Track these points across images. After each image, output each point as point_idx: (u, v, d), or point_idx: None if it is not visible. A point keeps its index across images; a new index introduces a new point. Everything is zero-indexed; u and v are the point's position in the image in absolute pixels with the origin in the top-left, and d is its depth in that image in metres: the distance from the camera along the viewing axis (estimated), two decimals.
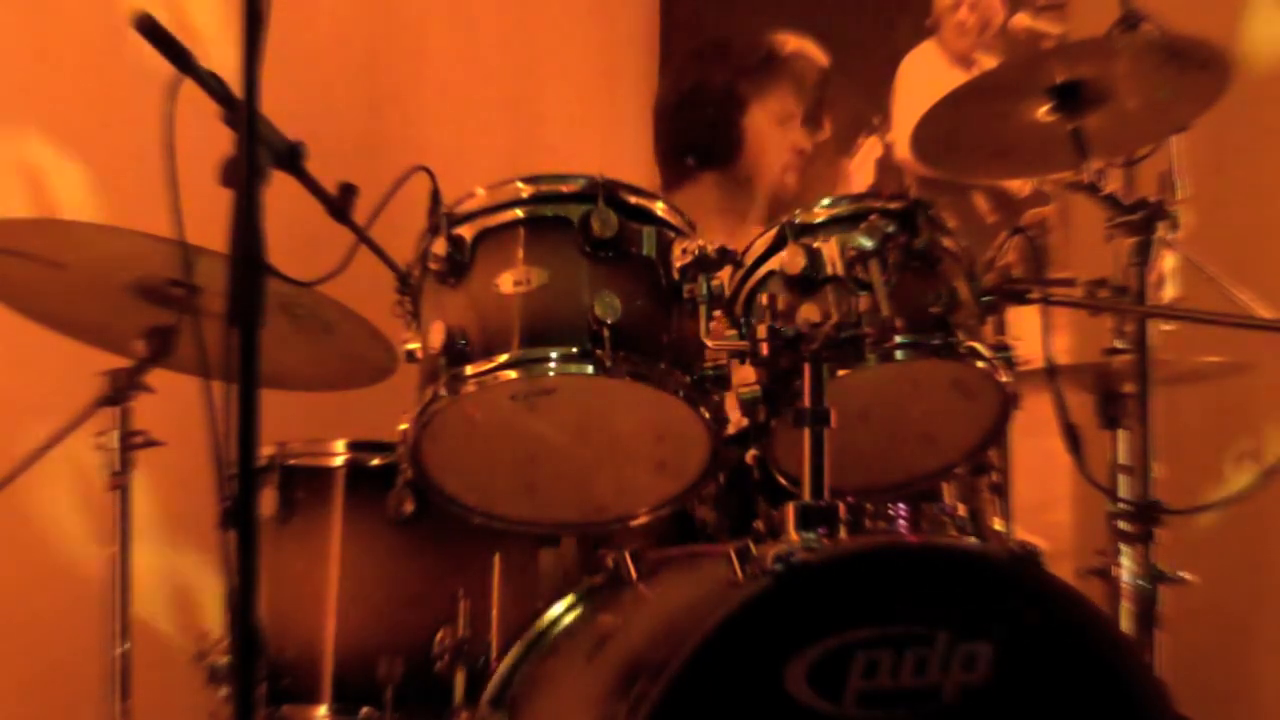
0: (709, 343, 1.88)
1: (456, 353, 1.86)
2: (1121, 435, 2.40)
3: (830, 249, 1.91)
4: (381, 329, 2.15)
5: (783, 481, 1.99)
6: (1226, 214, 2.88)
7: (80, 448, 2.14)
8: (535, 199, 1.92)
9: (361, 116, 3.25)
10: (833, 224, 1.94)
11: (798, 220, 1.96)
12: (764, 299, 1.91)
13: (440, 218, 1.93)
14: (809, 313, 1.86)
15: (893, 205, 1.94)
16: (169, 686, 2.16)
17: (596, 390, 1.91)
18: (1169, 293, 2.29)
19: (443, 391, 1.86)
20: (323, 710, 2.09)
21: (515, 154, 3.41)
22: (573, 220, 1.88)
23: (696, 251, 1.88)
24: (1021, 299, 2.06)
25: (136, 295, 2.12)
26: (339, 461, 2.17)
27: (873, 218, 1.91)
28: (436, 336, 1.87)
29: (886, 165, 3.93)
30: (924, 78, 3.85)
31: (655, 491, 2.03)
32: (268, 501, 2.16)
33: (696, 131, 2.84)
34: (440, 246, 1.90)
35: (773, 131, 2.83)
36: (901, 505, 2.06)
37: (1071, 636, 1.74)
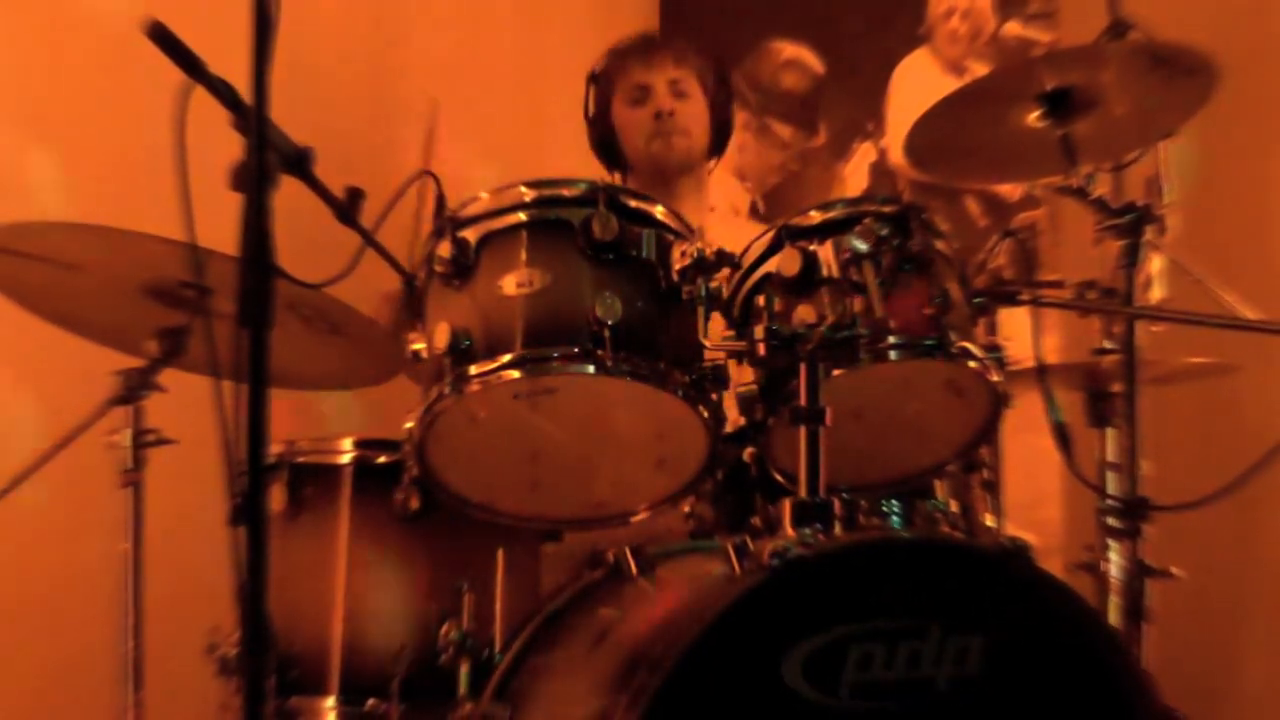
0: (707, 343, 1.88)
1: (460, 353, 1.86)
2: (1110, 433, 2.40)
3: (825, 252, 1.91)
4: (387, 330, 2.15)
5: (779, 479, 1.99)
6: (1213, 217, 2.88)
7: (94, 446, 2.14)
8: (538, 203, 1.92)
9: (367, 122, 3.25)
10: (828, 227, 1.94)
11: (794, 223, 1.96)
12: (761, 300, 1.91)
13: (445, 221, 1.93)
14: (805, 314, 1.86)
15: (886, 209, 1.94)
16: (181, 678, 2.16)
17: (597, 389, 1.91)
18: (1156, 294, 2.29)
19: (447, 391, 1.86)
20: (330, 701, 2.09)
21: (518, 159, 3.41)
22: (574, 223, 1.88)
23: (695, 254, 1.88)
24: (1012, 300, 2.06)
25: (149, 297, 2.12)
26: (346, 459, 2.17)
27: (867, 221, 1.91)
28: (441, 337, 1.87)
29: (880, 170, 3.93)
30: (917, 85, 3.85)
31: (655, 488, 2.03)
32: (277, 498, 2.16)
33: (596, 149, 2.87)
34: (445, 249, 1.90)
35: (629, 114, 2.79)
36: (895, 501, 2.07)
37: (1061, 630, 1.74)
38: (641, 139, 2.77)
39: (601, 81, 2.83)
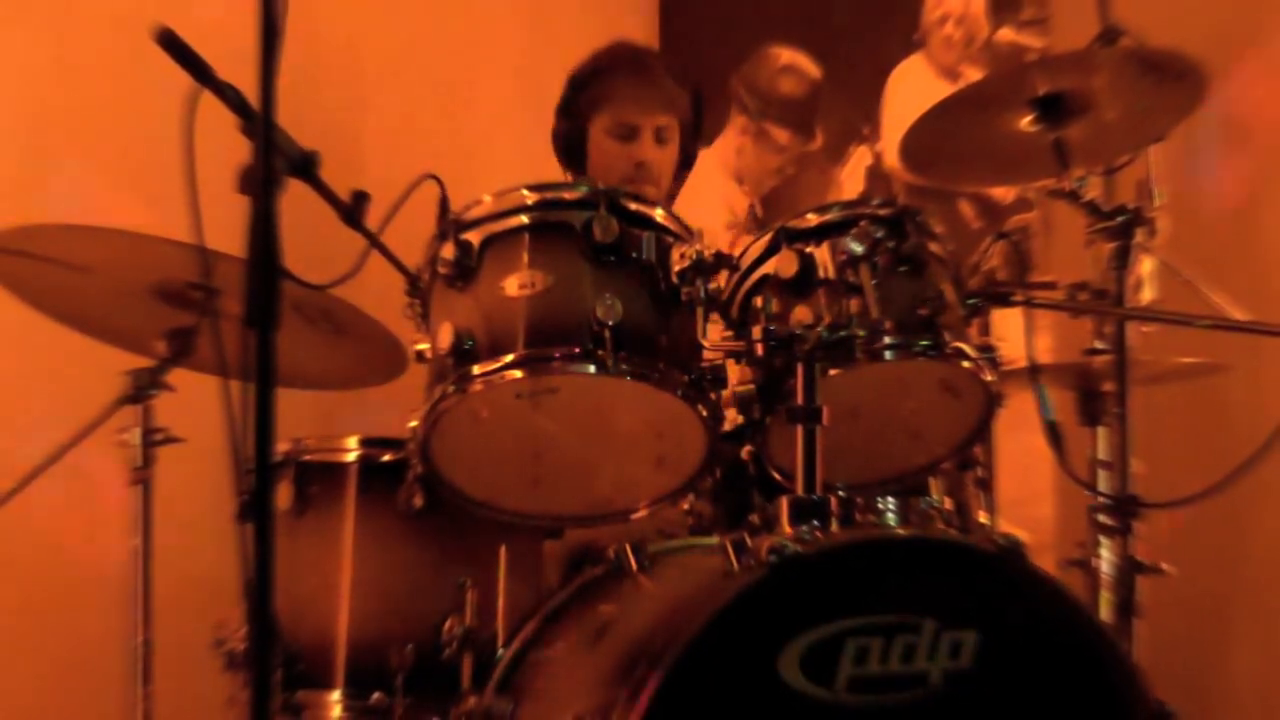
0: (706, 343, 1.88)
1: (464, 353, 1.86)
2: (1101, 432, 2.40)
3: (822, 254, 1.91)
4: (392, 330, 2.15)
5: (777, 476, 1.99)
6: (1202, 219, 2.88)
7: (104, 444, 2.14)
8: (540, 206, 1.92)
9: (373, 126, 3.26)
10: (825, 230, 1.94)
11: (791, 226, 1.96)
12: (759, 301, 1.91)
13: (448, 224, 1.93)
14: (802, 315, 1.86)
15: (882, 212, 1.94)
16: (189, 673, 2.16)
17: (598, 389, 1.91)
18: (1146, 295, 2.28)
19: (451, 390, 1.86)
20: (336, 695, 2.09)
21: (521, 162, 3.41)
22: (576, 226, 1.88)
23: (694, 256, 1.87)
24: (1005, 301, 2.06)
25: (158, 298, 2.12)
26: (352, 457, 2.18)
27: (863, 224, 1.91)
28: (445, 337, 1.87)
29: (876, 173, 3.92)
30: (912, 89, 3.85)
31: (655, 486, 2.03)
32: (283, 495, 2.16)
33: (555, 144, 2.81)
34: (449, 251, 1.90)
35: (609, 145, 2.73)
36: (890, 499, 2.06)
37: (1053, 625, 1.74)
38: (615, 176, 2.70)
39: (584, 91, 2.76)
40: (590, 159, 2.77)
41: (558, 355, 1.84)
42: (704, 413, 1.89)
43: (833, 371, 1.84)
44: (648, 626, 1.78)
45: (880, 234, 1.90)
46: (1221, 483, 2.12)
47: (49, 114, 2.77)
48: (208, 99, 1.62)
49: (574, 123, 2.78)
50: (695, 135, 2.83)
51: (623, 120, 2.72)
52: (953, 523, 2.08)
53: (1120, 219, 2.24)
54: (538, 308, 1.86)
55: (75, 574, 2.64)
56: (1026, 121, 2.23)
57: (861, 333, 1.83)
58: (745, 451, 2.05)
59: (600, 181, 2.67)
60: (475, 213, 1.93)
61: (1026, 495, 3.14)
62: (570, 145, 2.79)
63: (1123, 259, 2.25)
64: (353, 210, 1.88)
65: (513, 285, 1.87)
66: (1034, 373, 2.22)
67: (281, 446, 2.17)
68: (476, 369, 1.85)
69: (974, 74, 3.79)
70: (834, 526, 1.79)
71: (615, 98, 2.73)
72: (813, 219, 1.96)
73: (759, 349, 1.84)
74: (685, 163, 2.82)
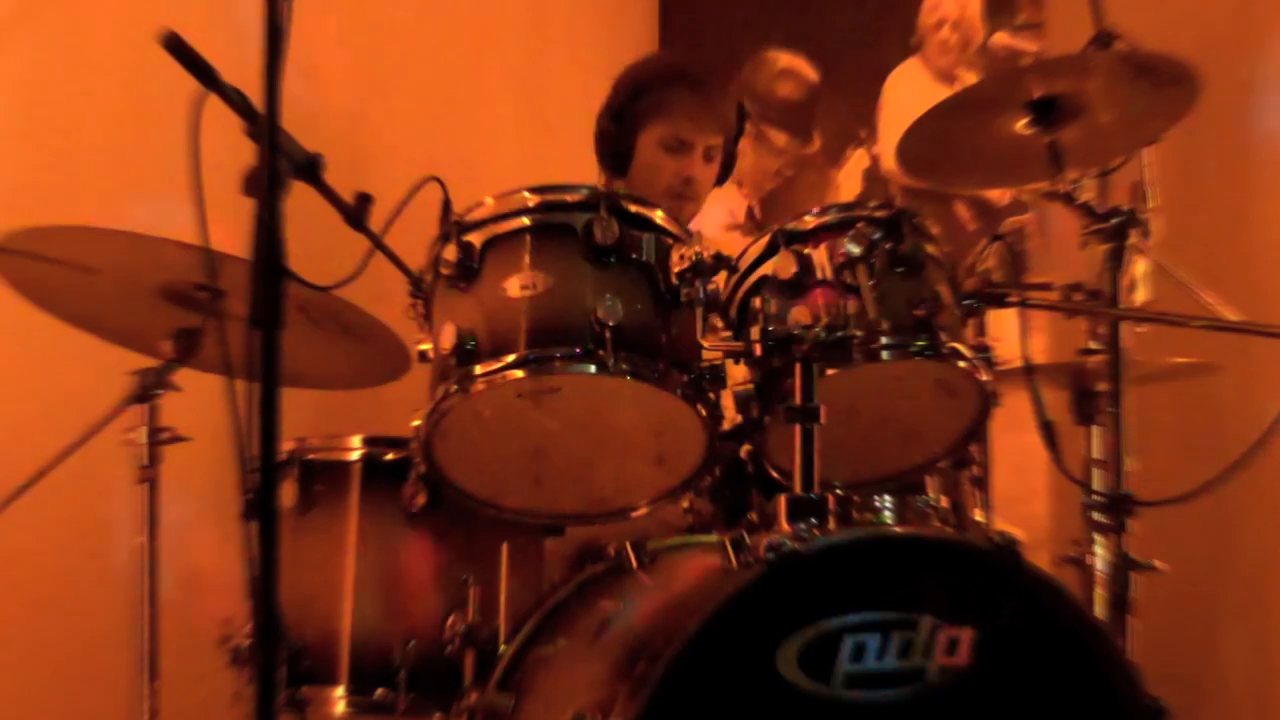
0: (705, 343, 1.89)
1: (466, 353, 1.86)
2: (1096, 431, 2.40)
3: (820, 255, 1.92)
4: (395, 330, 2.15)
5: (775, 475, 2.00)
6: (1195, 221, 2.88)
7: (111, 443, 2.14)
8: (541, 208, 1.92)
9: (376, 129, 3.26)
10: (822, 231, 1.94)
11: (789, 228, 1.96)
12: (757, 302, 1.91)
13: (451, 225, 1.93)
14: (800, 315, 1.86)
15: (879, 214, 1.94)
16: (195, 669, 2.17)
17: (599, 388, 1.92)
18: (1140, 296, 2.29)
19: (453, 390, 1.86)
20: (340, 691, 2.09)
21: (522, 164, 3.41)
22: (576, 228, 1.88)
23: (694, 257, 1.88)
24: (1001, 302, 2.06)
25: (164, 299, 2.12)
26: (355, 456, 2.18)
27: (860, 225, 1.91)
28: (447, 338, 1.87)
29: (873, 176, 3.93)
30: (908, 93, 3.85)
31: (654, 484, 2.03)
32: (288, 494, 2.16)
33: (600, 144, 2.79)
34: (451, 253, 1.90)
35: (658, 156, 2.71)
36: (887, 497, 2.07)
37: (1048, 622, 1.74)
38: (659, 187, 2.69)
39: (641, 98, 2.72)
40: (635, 165, 2.74)
41: (559, 355, 1.84)
42: (703, 412, 1.89)
43: (830, 371, 1.84)
44: (648, 623, 1.78)
45: (877, 236, 1.90)
46: (1214, 481, 2.12)
47: (56, 117, 2.77)
48: (213, 102, 1.62)
49: (623, 127, 2.74)
50: (733, 155, 2.82)
51: (678, 135, 2.70)
52: (949, 520, 2.09)
53: (1114, 221, 2.24)
54: (539, 308, 1.86)
55: (82, 571, 2.64)
56: (1022, 124, 2.23)
57: (858, 333, 1.83)
58: (744, 450, 2.05)
59: (644, 190, 2.69)
60: (477, 214, 1.93)
61: (1022, 493, 3.15)
62: (615, 149, 2.76)
63: (1117, 260, 2.25)
64: (356, 212, 1.88)
65: (514, 286, 1.87)
66: (1029, 372, 2.22)
67: (286, 445, 2.17)
68: (479, 369, 1.86)
69: (970, 77, 3.80)
70: (831, 524, 1.79)
71: (673, 111, 2.70)
72: (810, 221, 1.96)
73: (757, 349, 1.84)
74: (718, 180, 2.82)
